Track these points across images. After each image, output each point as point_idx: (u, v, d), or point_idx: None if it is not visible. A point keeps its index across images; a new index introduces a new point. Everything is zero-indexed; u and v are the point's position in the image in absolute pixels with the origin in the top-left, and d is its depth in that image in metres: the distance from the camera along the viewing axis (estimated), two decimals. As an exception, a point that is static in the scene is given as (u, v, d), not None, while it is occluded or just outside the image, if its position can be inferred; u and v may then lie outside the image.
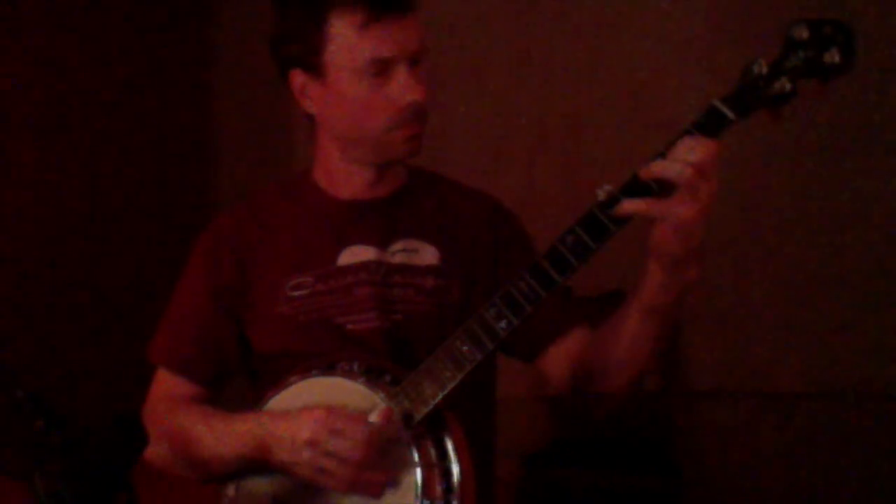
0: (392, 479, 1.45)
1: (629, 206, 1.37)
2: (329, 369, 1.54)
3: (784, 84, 1.36)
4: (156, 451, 1.62)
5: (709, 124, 1.37)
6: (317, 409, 1.47)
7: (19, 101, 3.43)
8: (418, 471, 1.44)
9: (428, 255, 1.67)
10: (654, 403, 3.36)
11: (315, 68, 1.59)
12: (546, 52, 3.59)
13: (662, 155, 1.36)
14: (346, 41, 1.56)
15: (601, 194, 1.40)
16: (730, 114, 1.36)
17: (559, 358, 1.67)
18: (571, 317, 1.68)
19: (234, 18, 4.00)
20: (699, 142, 1.35)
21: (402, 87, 1.57)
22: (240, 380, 1.74)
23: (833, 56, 1.34)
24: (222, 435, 1.57)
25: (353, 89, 1.58)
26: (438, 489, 1.45)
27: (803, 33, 1.35)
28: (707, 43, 3.33)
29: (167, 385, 1.71)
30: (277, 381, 1.58)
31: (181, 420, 1.63)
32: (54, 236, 3.53)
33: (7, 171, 3.40)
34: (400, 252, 1.66)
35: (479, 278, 1.68)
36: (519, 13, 3.63)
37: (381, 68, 1.56)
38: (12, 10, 3.40)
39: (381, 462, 1.45)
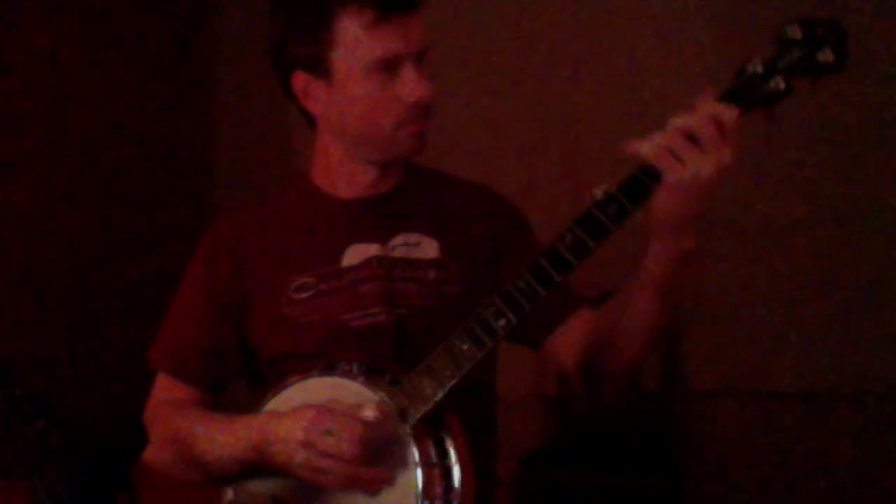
0: (391, 478, 1.45)
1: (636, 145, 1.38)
2: (329, 369, 1.54)
3: (779, 82, 1.38)
4: (156, 455, 1.62)
5: None
6: (309, 408, 1.47)
7: (18, 103, 3.43)
8: (418, 470, 1.44)
9: (428, 248, 1.67)
10: (654, 403, 3.36)
11: (320, 69, 1.59)
12: (546, 51, 3.59)
13: None
14: (355, 40, 1.56)
15: (598, 194, 1.41)
16: None
17: (566, 341, 1.67)
18: (574, 300, 1.68)
19: (235, 19, 4.00)
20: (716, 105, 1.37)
21: (411, 85, 1.57)
22: (241, 382, 1.74)
23: (826, 55, 1.37)
24: (221, 438, 1.57)
25: (361, 88, 1.57)
26: (438, 489, 1.45)
27: (796, 33, 1.38)
28: (705, 41, 3.33)
29: (167, 390, 1.70)
30: (276, 383, 1.58)
31: (181, 423, 1.63)
32: (54, 236, 3.53)
33: (6, 172, 3.40)
34: (400, 246, 1.66)
35: (481, 269, 1.68)
36: (518, 12, 3.63)
37: (388, 66, 1.56)
38: (12, 12, 3.40)
39: (380, 460, 1.45)
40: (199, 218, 3.68)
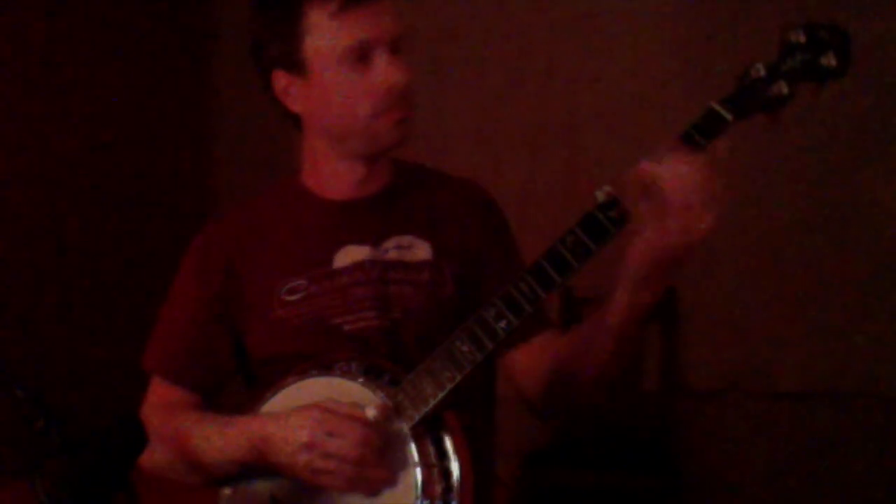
0: (391, 478, 1.45)
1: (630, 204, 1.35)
2: (326, 369, 1.54)
3: (782, 87, 1.36)
4: (152, 458, 1.60)
5: (707, 126, 1.36)
6: (311, 409, 1.46)
7: (18, 100, 3.43)
8: (418, 470, 1.44)
9: (421, 250, 1.66)
10: (654, 403, 3.36)
11: (296, 65, 1.59)
12: (546, 52, 3.60)
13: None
14: (324, 30, 1.55)
15: (600, 196, 1.40)
16: (728, 116, 1.36)
17: (529, 360, 1.65)
18: (543, 320, 1.66)
19: (234, 17, 4.00)
20: (687, 157, 1.32)
21: (384, 71, 1.56)
22: (238, 382, 1.74)
23: (829, 59, 1.35)
24: (218, 439, 1.56)
25: (335, 79, 1.57)
26: (438, 489, 1.45)
27: (800, 37, 1.36)
28: (704, 44, 3.33)
29: (162, 392, 1.70)
30: (274, 383, 1.58)
31: (177, 425, 1.62)
32: (54, 236, 3.53)
33: (6, 171, 3.40)
34: (393, 249, 1.65)
35: (469, 269, 1.67)
36: (518, 13, 3.63)
37: (361, 54, 1.55)
38: (12, 11, 3.40)
39: (381, 460, 1.45)
40: (199, 218, 3.68)
